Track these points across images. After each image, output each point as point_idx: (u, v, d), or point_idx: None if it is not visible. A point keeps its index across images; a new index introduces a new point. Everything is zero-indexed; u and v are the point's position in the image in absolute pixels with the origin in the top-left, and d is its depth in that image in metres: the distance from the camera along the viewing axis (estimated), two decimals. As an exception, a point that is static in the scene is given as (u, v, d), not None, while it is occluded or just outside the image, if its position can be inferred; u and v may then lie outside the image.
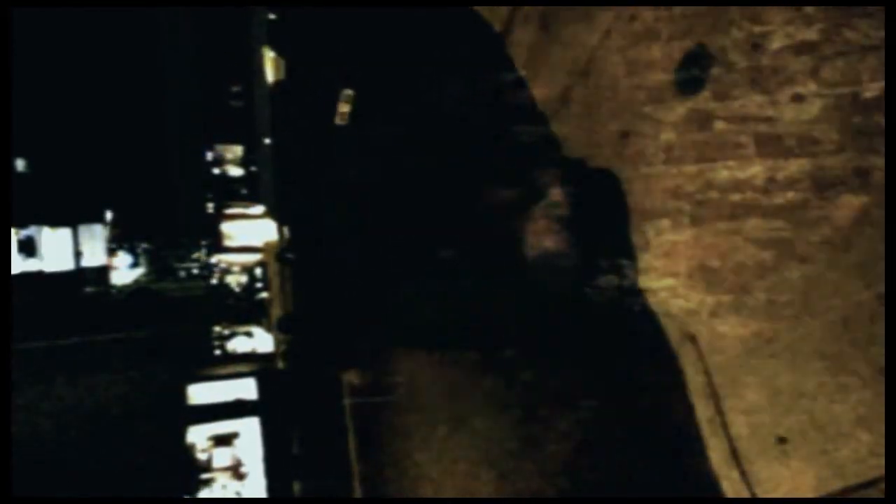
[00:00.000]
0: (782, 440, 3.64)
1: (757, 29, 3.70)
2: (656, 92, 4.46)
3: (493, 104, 6.32)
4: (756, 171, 3.74)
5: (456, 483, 6.63)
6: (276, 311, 12.61)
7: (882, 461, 3.16)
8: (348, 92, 8.89)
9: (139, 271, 15.90)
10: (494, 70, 6.19)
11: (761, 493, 3.84)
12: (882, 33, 2.99)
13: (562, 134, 5.44)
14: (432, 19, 7.30)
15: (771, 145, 3.66)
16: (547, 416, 5.59)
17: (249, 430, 11.26)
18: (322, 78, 9.60)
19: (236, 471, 11.38)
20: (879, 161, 3.08)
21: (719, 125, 3.95)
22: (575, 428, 5.27)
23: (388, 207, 8.02)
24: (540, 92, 5.74)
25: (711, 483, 4.16)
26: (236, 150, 17.19)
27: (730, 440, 4.02)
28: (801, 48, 3.45)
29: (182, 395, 11.10)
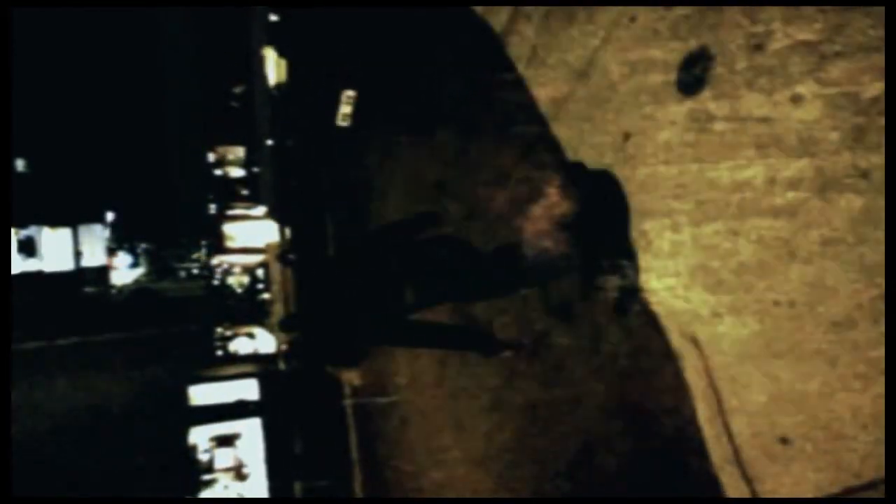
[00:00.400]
0: (784, 441, 3.62)
1: (757, 29, 3.70)
2: (657, 92, 4.45)
3: (493, 105, 6.32)
4: (756, 171, 3.73)
5: (457, 483, 6.64)
6: (277, 312, 12.63)
7: (883, 462, 3.15)
8: (349, 93, 8.90)
9: (139, 271, 15.93)
10: (495, 70, 6.19)
11: (763, 494, 3.82)
12: (882, 33, 2.99)
13: (562, 134, 5.43)
14: (432, 19, 7.31)
15: (771, 145, 3.65)
16: (548, 416, 5.59)
17: (251, 431, 11.29)
18: (323, 79, 9.62)
19: (238, 471, 11.40)
20: (880, 161, 3.07)
21: (719, 125, 3.94)
22: (576, 428, 5.26)
23: (388, 208, 8.04)
24: (540, 92, 5.73)
25: (712, 483, 4.14)
26: (238, 152, 17.19)
27: (731, 441, 4.00)
28: (801, 48, 3.45)
29: (184, 396, 11.13)
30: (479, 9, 6.39)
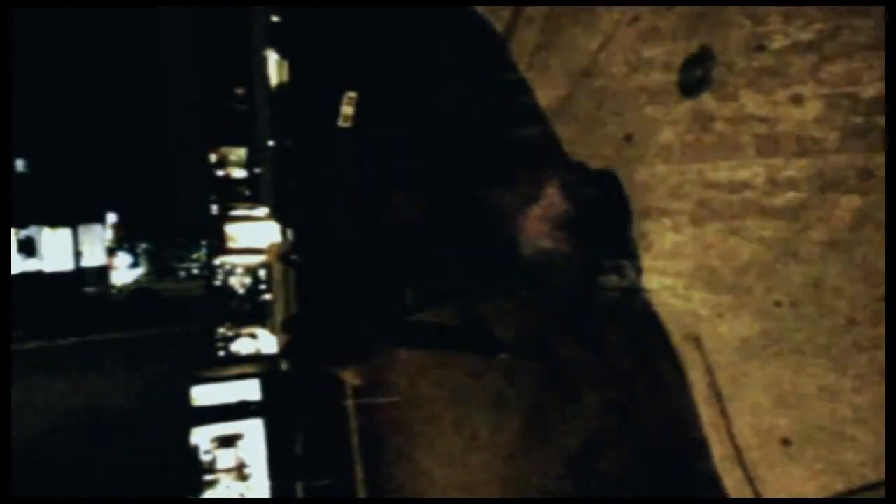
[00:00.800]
0: (786, 442, 3.62)
1: (757, 29, 3.70)
2: (658, 93, 4.45)
3: (494, 105, 6.32)
4: (756, 171, 3.73)
5: (458, 483, 6.64)
6: (279, 313, 12.65)
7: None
8: (351, 94, 8.90)
9: (139, 271, 15.94)
10: (496, 71, 6.19)
11: (764, 495, 3.82)
12: (882, 33, 2.99)
13: (564, 135, 5.43)
14: (434, 20, 7.31)
15: (771, 145, 3.65)
16: (549, 416, 5.59)
17: (253, 432, 11.30)
18: (325, 80, 9.63)
19: (240, 472, 11.41)
20: (880, 161, 3.07)
21: (720, 125, 3.94)
22: (577, 429, 5.26)
23: (389, 208, 8.03)
24: (542, 93, 5.73)
25: (714, 484, 4.14)
26: (240, 153, 17.22)
27: (733, 442, 4.00)
28: (801, 48, 3.45)
29: (184, 396, 11.14)
30: (481, 9, 6.40)
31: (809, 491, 3.52)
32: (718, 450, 4.11)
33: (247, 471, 11.36)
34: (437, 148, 7.10)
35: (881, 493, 3.13)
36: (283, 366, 11.46)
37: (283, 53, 12.18)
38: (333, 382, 8.68)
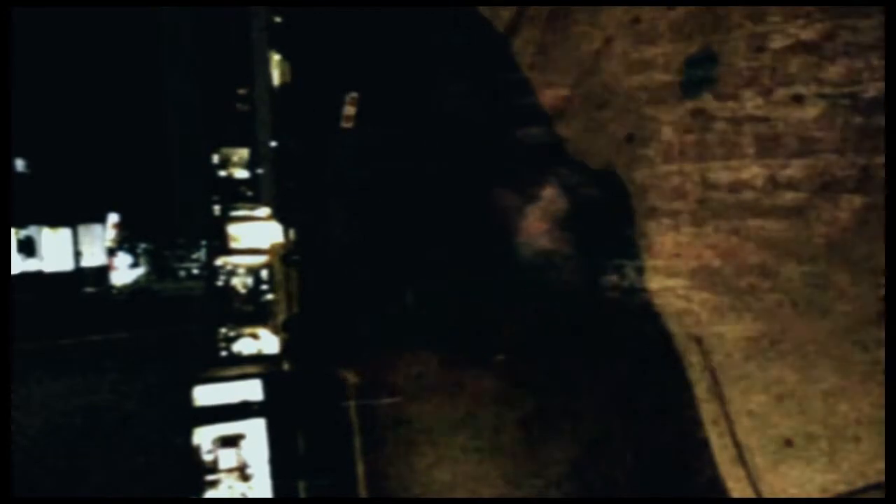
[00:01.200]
0: (788, 442, 3.62)
1: (758, 29, 3.70)
2: (659, 93, 4.46)
3: (497, 105, 6.32)
4: (757, 171, 3.73)
5: (459, 483, 6.63)
6: (281, 313, 12.64)
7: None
8: (353, 94, 8.89)
9: (139, 271, 15.91)
10: (499, 71, 6.19)
11: (767, 495, 3.82)
12: (882, 33, 2.98)
13: (565, 135, 5.43)
14: (436, 21, 7.31)
15: (771, 146, 3.65)
16: (551, 416, 5.59)
17: (255, 432, 11.28)
18: (327, 80, 9.62)
19: (242, 471, 11.39)
20: (880, 161, 3.06)
21: (720, 126, 3.94)
22: (579, 428, 5.26)
23: (391, 209, 8.03)
24: (544, 93, 5.74)
25: (717, 484, 4.14)
26: (242, 153, 17.19)
27: (735, 442, 4.00)
28: (802, 48, 3.45)
29: (185, 396, 11.11)
30: (483, 10, 6.40)
31: (812, 491, 3.51)
32: (720, 450, 4.11)
33: (249, 471, 11.34)
34: (437, 148, 7.09)
35: (880, 492, 3.12)
36: (285, 366, 11.44)
37: (286, 54, 12.18)
38: (335, 383, 8.68)
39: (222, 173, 17.10)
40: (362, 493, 8.73)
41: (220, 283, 15.83)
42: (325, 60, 9.88)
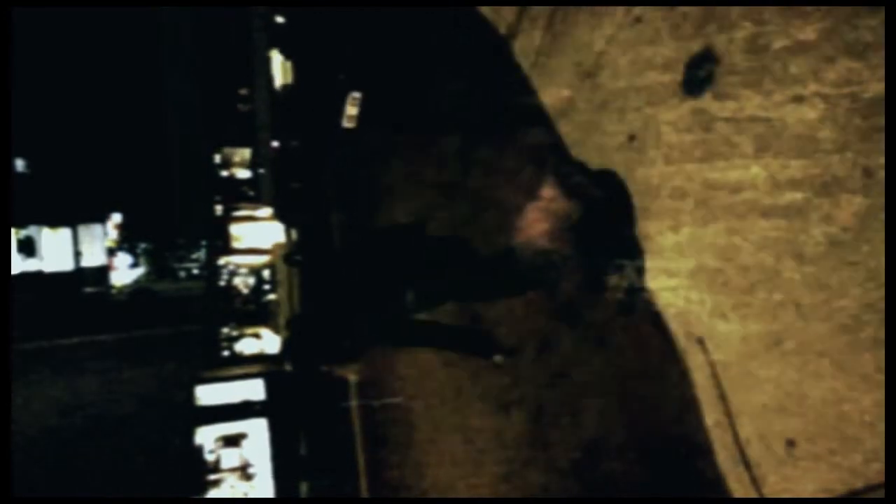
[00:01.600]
0: (790, 443, 3.62)
1: (757, 29, 3.70)
2: (660, 93, 4.45)
3: (498, 106, 6.33)
4: (757, 171, 3.73)
5: (460, 483, 6.65)
6: (283, 313, 12.68)
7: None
8: (355, 95, 8.91)
9: (139, 271, 15.94)
10: (500, 72, 6.20)
11: (769, 496, 3.82)
12: (882, 33, 2.98)
13: (566, 135, 5.43)
14: (438, 21, 7.32)
15: (772, 146, 3.65)
16: (551, 416, 5.59)
17: (257, 431, 11.32)
18: (329, 80, 9.64)
19: (244, 471, 11.43)
20: (880, 161, 3.06)
21: (720, 126, 3.94)
22: (579, 429, 5.26)
23: (392, 209, 8.05)
24: (546, 94, 5.74)
25: (718, 484, 4.13)
26: (244, 153, 17.26)
27: (737, 443, 4.00)
28: (801, 48, 3.45)
29: (190, 396, 11.16)
30: (485, 10, 6.41)
31: (814, 492, 3.51)
32: (722, 450, 4.11)
33: (251, 470, 11.38)
34: (438, 148, 7.11)
35: (882, 494, 3.13)
36: (287, 366, 11.48)
37: (287, 54, 12.21)
38: (337, 382, 8.70)
39: (224, 173, 17.14)
40: (364, 492, 8.76)
41: (222, 283, 15.88)
42: (328, 61, 9.90)
